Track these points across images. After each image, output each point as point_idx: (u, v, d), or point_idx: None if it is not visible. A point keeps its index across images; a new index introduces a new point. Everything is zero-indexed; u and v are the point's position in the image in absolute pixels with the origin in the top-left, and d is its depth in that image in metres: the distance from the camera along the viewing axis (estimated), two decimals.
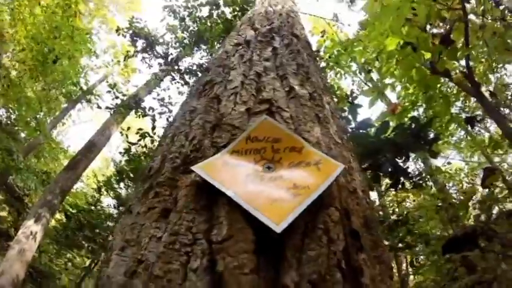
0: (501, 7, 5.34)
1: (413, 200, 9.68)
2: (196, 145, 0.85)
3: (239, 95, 1.05)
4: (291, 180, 0.71)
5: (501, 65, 7.74)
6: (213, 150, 0.85)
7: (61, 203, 8.80)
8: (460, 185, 9.48)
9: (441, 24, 5.20)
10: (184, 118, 1.07)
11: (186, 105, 1.25)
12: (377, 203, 9.60)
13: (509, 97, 8.33)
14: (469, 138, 10.80)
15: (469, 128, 6.99)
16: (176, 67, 8.48)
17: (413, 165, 10.01)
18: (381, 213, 8.42)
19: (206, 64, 7.27)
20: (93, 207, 10.76)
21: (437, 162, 13.56)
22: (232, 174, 0.73)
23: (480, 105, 5.59)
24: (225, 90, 1.12)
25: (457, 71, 5.37)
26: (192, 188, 0.72)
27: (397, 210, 9.15)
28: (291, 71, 1.32)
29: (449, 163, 13.53)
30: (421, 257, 7.33)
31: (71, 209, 10.57)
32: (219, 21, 8.25)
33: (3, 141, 9.56)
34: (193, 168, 0.76)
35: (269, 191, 0.68)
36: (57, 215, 10.30)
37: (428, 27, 4.82)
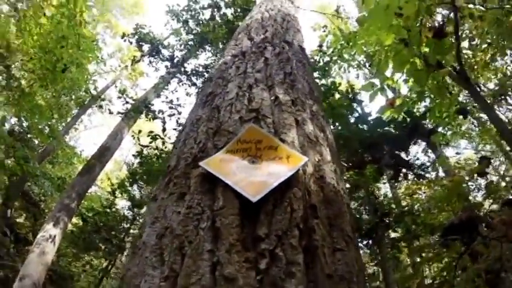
0: None
1: (424, 192, 9.71)
2: (202, 147, 1.18)
3: (234, 106, 1.36)
4: (267, 169, 1.02)
5: (504, 52, 7.70)
6: (215, 150, 1.15)
7: (78, 206, 9.07)
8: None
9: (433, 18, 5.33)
10: (192, 125, 1.38)
11: (193, 114, 1.54)
12: (389, 194, 9.74)
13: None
14: (479, 127, 10.73)
15: (463, 119, 7.11)
16: (182, 69, 8.67)
17: (423, 157, 9.95)
18: (392, 205, 8.56)
19: (210, 72, 7.49)
20: (108, 210, 10.97)
21: (449, 152, 13.37)
22: (227, 167, 1.04)
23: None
24: (223, 101, 1.43)
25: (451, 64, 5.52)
26: (199, 178, 1.03)
27: (409, 201, 9.20)
28: (278, 81, 1.61)
29: (457, 153, 13.47)
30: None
31: (87, 213, 10.80)
32: (221, 22, 8.43)
33: (20, 150, 9.80)
34: (200, 164, 1.07)
35: (251, 177, 0.98)
36: (74, 219, 10.53)
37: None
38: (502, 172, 10.93)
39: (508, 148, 9.30)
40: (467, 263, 3.87)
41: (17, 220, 11.00)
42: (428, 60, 4.35)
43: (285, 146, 1.12)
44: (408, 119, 4.65)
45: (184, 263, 0.76)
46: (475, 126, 10.92)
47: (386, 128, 4.65)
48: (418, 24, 4.45)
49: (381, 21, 4.14)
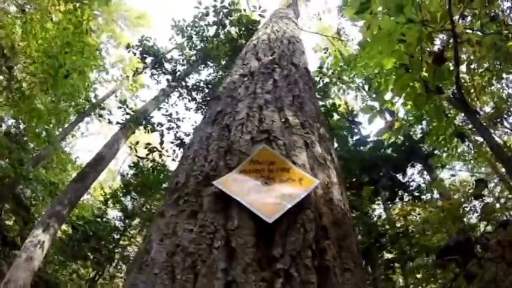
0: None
1: (418, 214, 9.68)
2: (214, 166, 1.20)
3: (245, 126, 1.38)
4: (280, 191, 1.04)
5: (501, 76, 7.83)
6: (226, 170, 1.17)
7: (69, 214, 8.94)
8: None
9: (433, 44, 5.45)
10: (201, 143, 1.40)
11: (202, 131, 1.57)
12: (383, 216, 9.71)
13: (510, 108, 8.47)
14: (474, 149, 10.80)
15: (461, 142, 7.21)
16: (183, 83, 8.72)
17: (418, 178, 9.95)
18: (387, 226, 8.54)
19: (211, 88, 7.53)
20: (99, 219, 10.83)
21: (445, 174, 13.42)
22: (241, 187, 1.06)
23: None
24: (233, 121, 1.46)
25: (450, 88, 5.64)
26: (212, 196, 1.05)
27: (403, 223, 9.17)
28: (287, 103, 1.65)
29: (453, 175, 13.52)
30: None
31: (77, 221, 10.66)
32: (225, 40, 8.52)
33: (14, 152, 9.70)
34: (213, 183, 1.09)
35: (264, 198, 1.00)
36: (64, 226, 10.36)
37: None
38: (496, 194, 11.02)
39: (502, 170, 9.38)
40: (462, 285, 3.85)
41: (6, 222, 10.81)
42: (428, 85, 4.44)
43: (297, 168, 1.15)
44: (407, 142, 4.71)
45: (197, 281, 0.77)
46: (470, 148, 11.05)
47: (385, 151, 4.70)
48: (418, 49, 4.55)
49: (384, 46, 4.25)
